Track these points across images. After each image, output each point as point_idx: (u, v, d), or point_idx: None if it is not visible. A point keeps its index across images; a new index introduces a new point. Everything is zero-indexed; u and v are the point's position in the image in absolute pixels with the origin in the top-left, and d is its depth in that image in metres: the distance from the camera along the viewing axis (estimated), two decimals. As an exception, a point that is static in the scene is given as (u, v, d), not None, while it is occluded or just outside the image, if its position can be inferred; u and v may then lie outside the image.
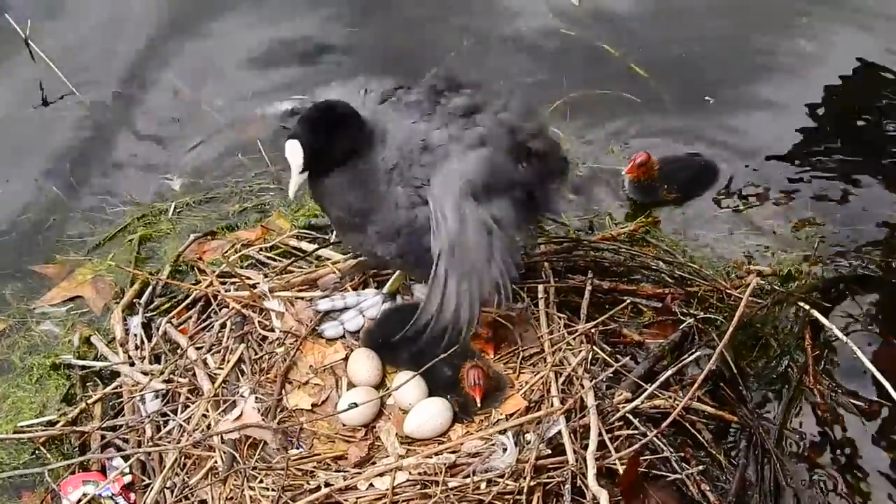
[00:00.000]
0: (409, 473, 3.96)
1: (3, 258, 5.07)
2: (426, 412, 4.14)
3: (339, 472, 4.02)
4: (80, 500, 4.11)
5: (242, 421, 4.13)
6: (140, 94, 5.84)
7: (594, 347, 4.36)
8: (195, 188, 5.37)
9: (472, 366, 4.16)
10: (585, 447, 3.94)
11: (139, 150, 5.59)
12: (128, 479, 4.18)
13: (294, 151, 3.93)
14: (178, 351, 4.48)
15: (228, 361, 4.37)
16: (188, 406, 4.28)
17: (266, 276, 4.71)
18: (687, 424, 4.29)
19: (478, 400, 4.11)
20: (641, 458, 4.10)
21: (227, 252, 4.88)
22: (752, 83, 5.83)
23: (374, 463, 4.07)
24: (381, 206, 4.03)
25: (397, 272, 4.55)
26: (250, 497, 3.96)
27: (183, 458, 4.13)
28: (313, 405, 4.27)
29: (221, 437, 4.10)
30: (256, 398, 4.21)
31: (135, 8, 6.23)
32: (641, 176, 5.20)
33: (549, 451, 3.99)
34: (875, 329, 4.72)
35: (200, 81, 5.90)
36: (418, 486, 3.94)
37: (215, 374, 4.35)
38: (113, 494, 4.13)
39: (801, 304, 4.69)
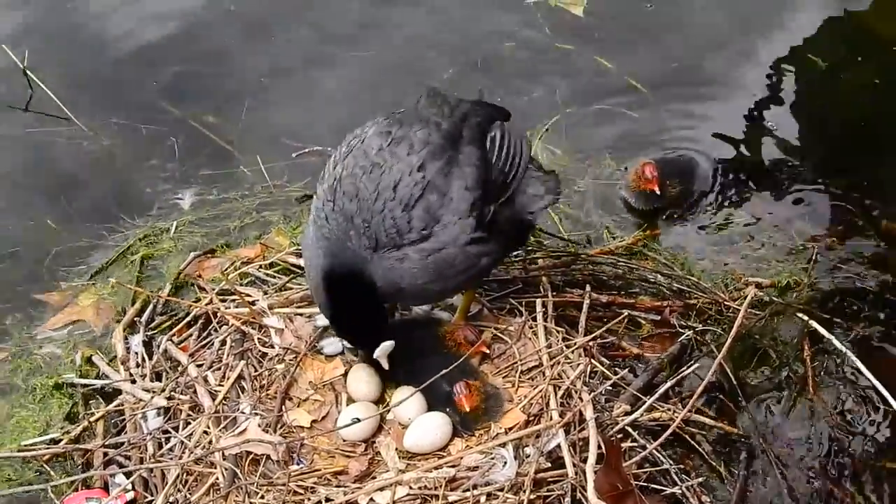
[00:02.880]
0: (410, 488, 3.97)
1: (4, 290, 5.08)
2: (425, 426, 4.16)
3: (339, 487, 4.04)
4: (82, 517, 4.15)
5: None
6: (136, 119, 5.84)
7: (593, 360, 4.36)
8: (201, 205, 5.38)
9: (462, 380, 4.19)
10: (585, 460, 3.94)
11: (138, 174, 5.61)
12: (130, 495, 4.19)
13: (382, 351, 4.23)
14: (179, 368, 4.49)
15: (228, 378, 4.38)
16: (189, 423, 4.30)
17: (265, 293, 4.73)
18: (686, 436, 4.29)
19: (465, 406, 4.13)
20: (641, 470, 4.11)
21: (226, 270, 4.91)
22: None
23: (374, 478, 4.09)
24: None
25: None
26: (251, 512, 3.98)
27: (185, 474, 4.14)
28: (313, 422, 4.28)
29: (223, 454, 4.12)
30: (256, 414, 4.23)
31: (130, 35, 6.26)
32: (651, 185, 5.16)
33: (549, 465, 4.00)
34: (874, 340, 4.73)
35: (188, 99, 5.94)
36: (418, 501, 3.95)
37: (216, 391, 4.36)
38: (115, 511, 4.16)
39: (800, 315, 4.70)
